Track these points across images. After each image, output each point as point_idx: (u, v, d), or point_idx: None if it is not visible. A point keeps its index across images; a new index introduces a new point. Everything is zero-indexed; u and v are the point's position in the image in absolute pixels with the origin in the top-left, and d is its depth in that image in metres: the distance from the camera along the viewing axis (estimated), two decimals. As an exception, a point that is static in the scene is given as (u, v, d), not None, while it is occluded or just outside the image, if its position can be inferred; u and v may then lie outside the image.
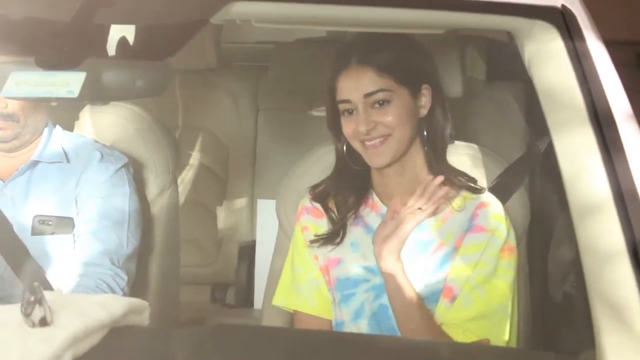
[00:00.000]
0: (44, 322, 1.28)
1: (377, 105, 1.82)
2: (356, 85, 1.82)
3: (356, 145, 1.87)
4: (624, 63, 1.75)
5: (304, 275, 1.94)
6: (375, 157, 1.85)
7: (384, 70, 1.81)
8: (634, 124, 1.47)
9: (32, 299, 1.29)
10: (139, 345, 1.38)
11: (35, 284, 1.31)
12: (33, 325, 1.28)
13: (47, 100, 1.86)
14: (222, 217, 2.83)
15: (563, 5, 1.59)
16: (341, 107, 1.85)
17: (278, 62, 2.79)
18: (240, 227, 2.83)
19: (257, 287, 2.67)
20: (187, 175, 2.73)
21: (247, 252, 2.74)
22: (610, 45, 1.61)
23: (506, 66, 2.17)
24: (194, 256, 2.69)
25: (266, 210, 2.66)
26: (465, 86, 2.10)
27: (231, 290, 2.83)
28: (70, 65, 1.44)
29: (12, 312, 1.30)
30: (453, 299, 1.81)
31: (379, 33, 1.81)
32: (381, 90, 1.81)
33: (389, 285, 1.80)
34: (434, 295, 1.82)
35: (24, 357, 1.20)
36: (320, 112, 2.75)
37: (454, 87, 2.06)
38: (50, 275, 2.05)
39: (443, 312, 1.81)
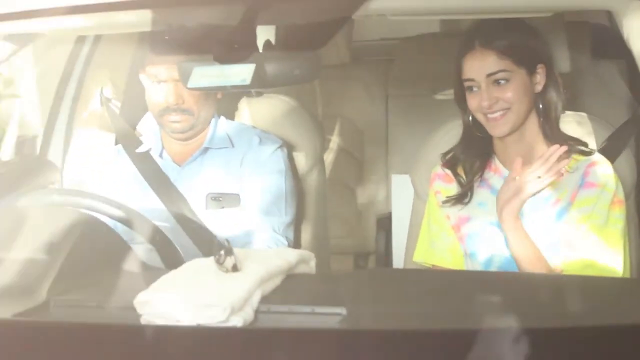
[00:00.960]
0: (235, 269, 1.57)
1: (497, 83, 2.06)
2: (480, 66, 2.06)
3: (479, 117, 2.12)
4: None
5: (439, 233, 2.20)
6: (496, 127, 2.10)
7: (504, 53, 2.04)
8: None
9: (224, 251, 1.61)
10: (311, 287, 1.71)
11: (225, 239, 1.65)
12: (227, 271, 1.58)
13: (225, 89, 2.19)
14: (361, 192, 3.11)
15: None
16: (466, 84, 2.09)
17: (403, 55, 3.10)
18: (377, 201, 3.10)
19: (395, 254, 2.91)
20: (328, 158, 3.03)
21: (385, 223, 3.01)
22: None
23: (608, 46, 2.40)
24: (338, 228, 2.94)
25: (400, 185, 2.95)
26: (573, 63, 2.30)
27: (372, 258, 3.10)
28: (242, 59, 1.77)
29: (208, 262, 1.61)
30: (573, 249, 2.03)
31: (499, 19, 2.04)
32: (501, 70, 2.05)
33: (511, 240, 2.03)
34: (556, 245, 2.05)
35: (224, 293, 1.48)
36: (442, 96, 3.03)
37: (564, 64, 2.26)
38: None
39: (563, 260, 2.04)
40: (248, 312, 1.49)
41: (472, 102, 2.11)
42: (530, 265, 2.02)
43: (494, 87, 2.06)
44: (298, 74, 1.85)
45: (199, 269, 1.63)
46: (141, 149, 2.52)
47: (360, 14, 1.82)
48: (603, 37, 2.46)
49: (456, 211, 2.19)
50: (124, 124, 2.61)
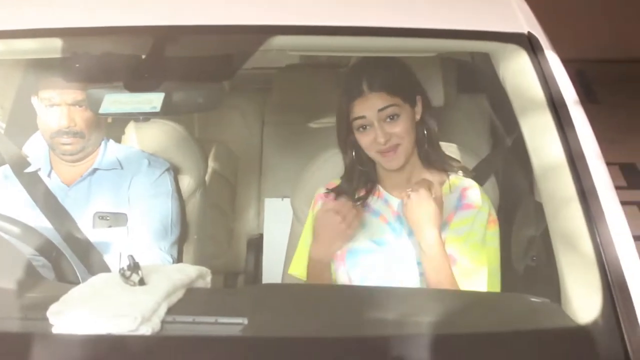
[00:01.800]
0: (142, 282, 1.71)
1: (389, 119, 2.20)
2: (371, 104, 2.20)
3: (372, 154, 2.26)
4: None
5: None
6: (391, 162, 2.25)
7: (391, 92, 2.20)
8: (580, 108, 1.91)
9: (131, 266, 1.74)
10: (211, 300, 1.84)
11: (130, 255, 1.77)
12: (134, 284, 1.72)
13: (134, 115, 2.30)
14: (233, 215, 3.22)
15: (529, 32, 2.03)
16: (357, 123, 2.23)
17: (280, 84, 3.27)
18: (248, 223, 3.23)
19: (265, 273, 3.05)
20: (207, 181, 3.14)
21: (255, 243, 3.14)
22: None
23: (477, 83, 2.65)
24: (209, 249, 2.98)
25: (272, 207, 3.10)
26: (445, 98, 2.53)
27: (241, 277, 3.17)
28: (151, 88, 1.90)
29: (114, 277, 1.74)
30: (454, 263, 2.19)
31: (377, 63, 2.22)
32: (392, 105, 2.20)
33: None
34: None
35: (133, 304, 1.60)
36: (317, 125, 3.21)
37: (437, 98, 2.48)
38: (108, 261, 2.49)
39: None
40: (156, 322, 1.61)
41: (366, 139, 2.25)
42: (440, 277, 2.15)
43: (385, 123, 2.21)
44: (201, 103, 1.99)
45: (106, 283, 1.74)
46: (30, 169, 2.57)
47: (264, 49, 1.97)
48: (471, 75, 2.70)
49: None
50: (11, 144, 2.65)
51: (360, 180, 2.35)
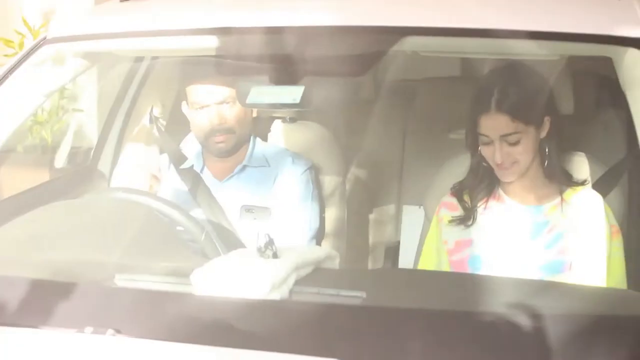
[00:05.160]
0: (275, 256, 1.90)
1: (510, 142, 2.32)
2: (494, 126, 2.31)
3: (491, 163, 2.39)
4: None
5: (436, 254, 2.49)
6: (506, 176, 2.38)
7: (516, 117, 2.29)
8: None
9: (266, 241, 1.94)
10: (336, 278, 2.01)
11: (265, 233, 1.96)
12: (268, 258, 1.92)
13: (276, 106, 2.50)
14: (371, 220, 3.36)
15: None
16: (482, 138, 2.36)
17: (421, 95, 3.41)
18: (387, 229, 3.36)
19: None
20: (347, 184, 3.31)
21: (393, 250, 3.25)
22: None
23: (607, 93, 2.70)
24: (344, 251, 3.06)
25: (410, 215, 3.23)
26: (575, 107, 2.58)
27: None
28: (293, 81, 2.09)
29: (249, 251, 1.96)
30: (579, 273, 2.27)
31: (510, 78, 2.31)
32: (514, 133, 2.30)
33: None
34: (557, 266, 2.31)
35: (266, 273, 1.79)
36: (456, 135, 3.31)
37: (567, 108, 2.53)
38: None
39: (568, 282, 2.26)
40: (285, 291, 1.79)
41: (486, 152, 2.38)
42: None
43: (506, 145, 2.33)
44: (339, 98, 2.16)
45: (244, 255, 1.95)
46: (185, 165, 2.82)
47: (395, 50, 2.12)
48: (602, 85, 2.74)
49: (455, 236, 2.46)
50: (170, 141, 2.92)
51: (481, 179, 2.46)
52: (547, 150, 2.38)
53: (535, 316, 1.69)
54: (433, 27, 2.06)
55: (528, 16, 2.10)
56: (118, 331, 1.65)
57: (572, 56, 2.30)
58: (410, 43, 2.11)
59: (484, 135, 2.34)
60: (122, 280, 1.91)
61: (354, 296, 1.78)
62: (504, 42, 2.09)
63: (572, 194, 2.40)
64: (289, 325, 1.69)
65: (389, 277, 2.01)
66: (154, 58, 2.91)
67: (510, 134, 2.31)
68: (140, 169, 2.98)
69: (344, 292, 1.79)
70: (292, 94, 2.04)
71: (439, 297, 1.84)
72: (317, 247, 2.08)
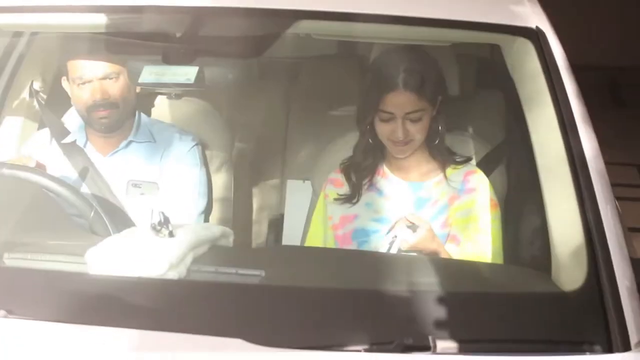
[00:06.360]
0: (171, 235, 1.91)
1: (412, 120, 2.37)
2: (400, 104, 2.34)
3: (384, 141, 2.43)
4: (600, 85, 2.32)
5: (321, 229, 2.54)
6: (401, 152, 2.44)
7: (422, 95, 2.34)
8: (581, 102, 2.03)
9: (161, 220, 1.92)
10: (232, 256, 2.02)
11: (160, 211, 1.94)
12: (164, 237, 1.90)
13: (169, 86, 2.47)
14: (257, 195, 3.38)
15: (537, 27, 2.17)
16: (382, 114, 2.38)
17: (305, 73, 3.43)
18: (271, 203, 3.38)
19: None
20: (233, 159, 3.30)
21: (276, 223, 3.27)
22: (588, 69, 2.17)
23: (491, 76, 2.80)
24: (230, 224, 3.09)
25: (294, 189, 3.25)
26: (461, 89, 2.68)
27: None
28: (186, 61, 2.08)
29: (145, 230, 1.93)
30: (458, 243, 2.37)
31: (414, 59, 2.36)
32: (418, 110, 2.36)
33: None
34: (440, 239, 2.35)
35: (162, 252, 1.78)
36: (338, 112, 3.36)
37: (453, 90, 2.63)
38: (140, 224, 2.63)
39: (451, 254, 2.34)
40: (182, 270, 1.79)
41: (385, 129, 2.41)
42: None
43: (408, 122, 2.38)
44: (231, 78, 2.16)
45: (139, 234, 1.93)
46: (67, 140, 2.75)
47: (290, 32, 2.14)
48: (487, 69, 2.84)
49: (340, 211, 2.51)
50: (51, 115, 2.84)
51: (367, 159, 2.51)
52: (437, 128, 2.45)
53: (416, 291, 1.76)
54: (328, 12, 2.08)
55: (423, 2, 2.16)
56: (10, 312, 1.61)
57: (464, 43, 2.38)
58: (302, 26, 2.12)
59: (387, 112, 2.38)
60: (11, 260, 1.86)
61: (253, 275, 1.79)
62: (400, 28, 2.14)
63: (453, 171, 2.49)
64: (189, 305, 1.70)
65: (285, 254, 2.03)
66: (34, 34, 2.81)
67: (414, 111, 2.36)
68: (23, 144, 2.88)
69: (242, 271, 1.80)
70: (187, 73, 2.03)
71: (333, 273, 1.88)
72: (212, 225, 2.08)
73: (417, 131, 2.40)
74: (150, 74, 2.11)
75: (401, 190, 2.50)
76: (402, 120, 2.37)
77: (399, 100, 2.36)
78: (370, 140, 2.49)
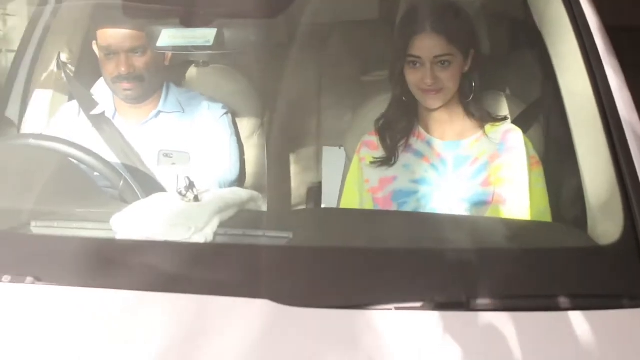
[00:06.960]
0: (196, 199, 1.88)
1: (440, 64, 2.33)
2: (429, 47, 2.31)
3: (415, 91, 2.39)
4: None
5: (357, 192, 2.49)
6: (432, 101, 2.38)
7: (452, 39, 2.31)
8: (615, 59, 1.98)
9: (187, 185, 1.90)
10: (261, 219, 1.99)
11: (186, 176, 1.92)
12: (189, 201, 1.89)
13: (188, 49, 2.43)
14: (295, 161, 3.35)
15: None
16: (410, 59, 2.35)
17: (335, 40, 3.38)
18: (308, 170, 3.35)
19: None
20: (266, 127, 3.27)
21: (315, 191, 3.26)
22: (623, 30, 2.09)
23: (524, 36, 2.73)
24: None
25: (330, 156, 3.22)
26: (494, 48, 2.61)
27: None
28: (205, 24, 2.03)
29: (171, 195, 1.92)
30: (503, 203, 2.32)
31: (444, 7, 2.32)
32: (448, 54, 2.32)
33: None
34: (484, 197, 2.33)
35: (188, 216, 1.77)
36: (369, 78, 3.32)
37: (487, 48, 2.57)
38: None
39: (495, 213, 2.30)
40: (208, 233, 1.76)
41: (414, 76, 2.37)
42: None
43: (437, 67, 2.33)
44: (254, 40, 2.12)
45: (164, 199, 1.90)
46: (96, 112, 2.74)
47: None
48: (519, 25, 2.77)
49: (378, 174, 2.46)
50: (80, 87, 2.83)
51: (401, 115, 2.47)
52: (471, 84, 2.40)
53: (461, 251, 1.71)
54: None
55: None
56: (38, 279, 1.59)
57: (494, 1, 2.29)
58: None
59: (415, 56, 2.34)
60: (38, 228, 1.84)
61: (280, 237, 1.76)
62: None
63: (491, 129, 2.43)
64: (215, 268, 1.67)
65: (314, 216, 1.99)
66: (59, 2, 2.79)
67: (443, 55, 2.32)
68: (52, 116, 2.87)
69: (270, 233, 1.77)
70: (205, 36, 1.99)
71: (364, 234, 1.83)
72: (240, 189, 2.04)
73: (447, 78, 2.35)
74: (168, 37, 2.07)
75: (438, 150, 2.44)
76: (430, 65, 2.33)
77: (427, 43, 2.32)
78: (403, 98, 2.45)
